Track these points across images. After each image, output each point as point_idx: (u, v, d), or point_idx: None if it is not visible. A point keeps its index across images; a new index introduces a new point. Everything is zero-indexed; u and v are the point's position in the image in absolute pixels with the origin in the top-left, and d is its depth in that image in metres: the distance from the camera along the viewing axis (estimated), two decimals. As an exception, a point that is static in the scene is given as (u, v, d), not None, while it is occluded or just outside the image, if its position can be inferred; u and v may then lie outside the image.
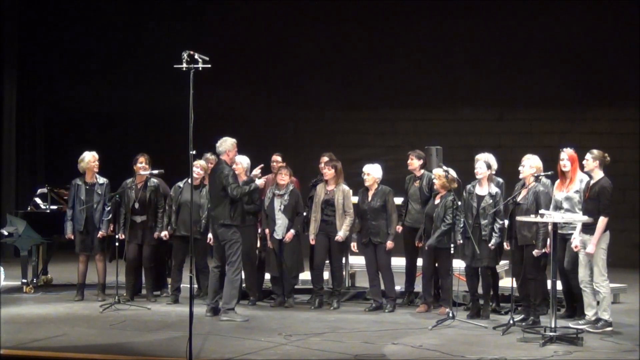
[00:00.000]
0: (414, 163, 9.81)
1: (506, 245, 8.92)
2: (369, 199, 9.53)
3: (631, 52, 13.66)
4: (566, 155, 8.77)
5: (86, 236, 10.10)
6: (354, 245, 9.70)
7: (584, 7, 13.93)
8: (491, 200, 8.91)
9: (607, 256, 8.39)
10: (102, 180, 10.21)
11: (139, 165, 10.08)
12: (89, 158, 10.16)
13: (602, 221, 8.23)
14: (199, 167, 9.86)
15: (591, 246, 8.27)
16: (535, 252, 8.50)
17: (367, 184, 9.55)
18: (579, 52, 14.16)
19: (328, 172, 9.74)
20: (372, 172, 9.54)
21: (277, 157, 10.32)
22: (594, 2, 13.89)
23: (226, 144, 9.19)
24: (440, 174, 9.26)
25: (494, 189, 9.01)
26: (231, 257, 8.94)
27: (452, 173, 9.18)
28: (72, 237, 10.15)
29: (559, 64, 14.24)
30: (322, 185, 9.82)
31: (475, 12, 14.43)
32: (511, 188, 9.12)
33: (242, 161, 9.85)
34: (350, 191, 9.81)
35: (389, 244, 9.50)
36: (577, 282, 8.64)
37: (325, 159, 10.05)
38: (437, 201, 9.31)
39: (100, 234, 10.11)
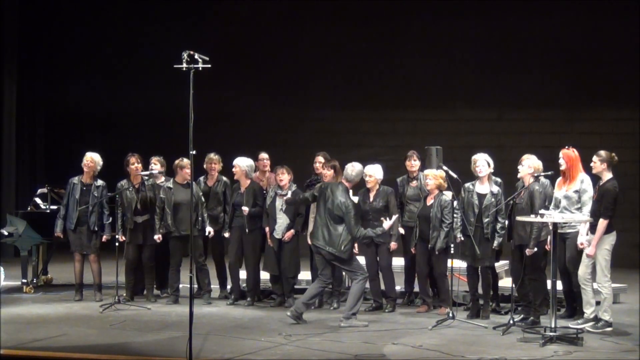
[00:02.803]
0: (417, 164, 9.79)
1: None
2: (371, 199, 9.51)
3: (631, 52, 13.67)
4: (561, 154, 8.79)
5: (77, 235, 10.10)
6: (355, 247, 9.65)
7: (584, 7, 13.93)
8: (493, 199, 8.92)
9: (610, 257, 8.38)
10: (99, 182, 10.19)
11: (131, 166, 10.09)
12: (97, 159, 10.16)
13: (602, 223, 8.24)
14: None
15: (591, 247, 8.28)
16: (527, 251, 8.49)
17: (369, 185, 9.52)
18: (579, 52, 14.16)
19: (327, 173, 9.71)
20: (375, 174, 9.51)
21: (264, 155, 10.30)
22: (594, 2, 13.89)
23: (356, 172, 8.96)
24: (435, 174, 9.26)
25: (496, 188, 9.01)
26: (351, 271, 8.85)
27: (452, 174, 9.17)
28: (61, 236, 10.16)
29: (558, 64, 14.24)
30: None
31: (476, 12, 14.44)
32: (510, 188, 9.12)
33: (241, 163, 9.82)
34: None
35: (393, 244, 9.48)
36: (577, 281, 8.65)
37: (320, 158, 10.03)
38: (429, 202, 9.31)
39: (104, 237, 10.12)
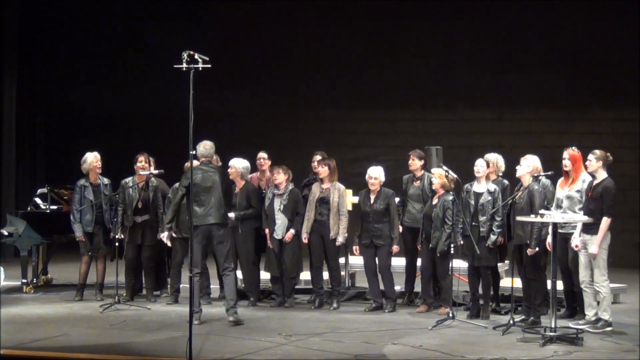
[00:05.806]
0: (416, 163, 9.79)
1: (499, 241, 8.91)
2: (372, 201, 9.49)
3: (631, 52, 13.67)
4: (567, 154, 8.77)
5: (94, 237, 10.12)
6: (356, 249, 9.62)
7: (583, 7, 13.93)
8: (490, 197, 8.92)
9: (607, 256, 8.39)
10: (105, 180, 10.24)
11: (138, 164, 10.09)
12: (91, 159, 10.16)
13: (606, 222, 8.22)
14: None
15: (594, 247, 8.24)
16: (528, 252, 8.50)
17: (373, 188, 9.49)
18: (579, 52, 14.16)
19: (322, 170, 9.72)
20: (380, 176, 9.49)
21: (262, 155, 10.28)
22: (594, 2, 13.89)
23: (209, 146, 9.04)
24: (441, 173, 9.26)
25: (492, 186, 9.01)
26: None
27: (452, 173, 9.18)
28: (84, 239, 10.10)
29: (558, 64, 14.25)
30: (317, 184, 9.81)
31: (475, 12, 14.44)
32: (512, 188, 9.12)
33: (236, 165, 9.78)
34: (348, 191, 9.79)
35: (395, 247, 9.47)
36: (579, 281, 8.64)
37: (317, 157, 10.04)
38: (434, 201, 9.31)
39: (112, 235, 10.10)
